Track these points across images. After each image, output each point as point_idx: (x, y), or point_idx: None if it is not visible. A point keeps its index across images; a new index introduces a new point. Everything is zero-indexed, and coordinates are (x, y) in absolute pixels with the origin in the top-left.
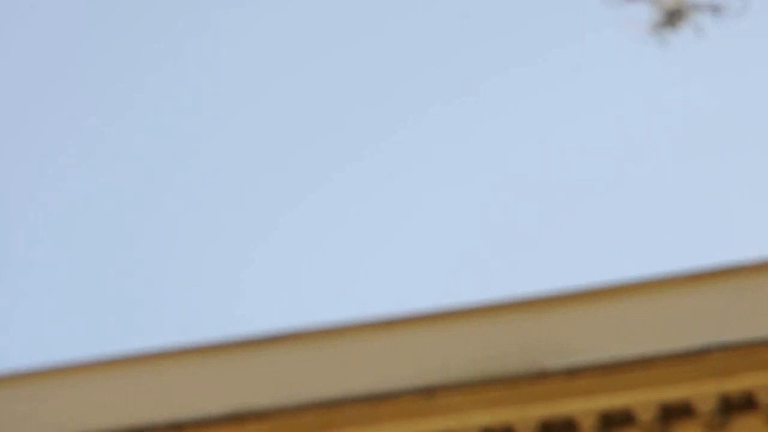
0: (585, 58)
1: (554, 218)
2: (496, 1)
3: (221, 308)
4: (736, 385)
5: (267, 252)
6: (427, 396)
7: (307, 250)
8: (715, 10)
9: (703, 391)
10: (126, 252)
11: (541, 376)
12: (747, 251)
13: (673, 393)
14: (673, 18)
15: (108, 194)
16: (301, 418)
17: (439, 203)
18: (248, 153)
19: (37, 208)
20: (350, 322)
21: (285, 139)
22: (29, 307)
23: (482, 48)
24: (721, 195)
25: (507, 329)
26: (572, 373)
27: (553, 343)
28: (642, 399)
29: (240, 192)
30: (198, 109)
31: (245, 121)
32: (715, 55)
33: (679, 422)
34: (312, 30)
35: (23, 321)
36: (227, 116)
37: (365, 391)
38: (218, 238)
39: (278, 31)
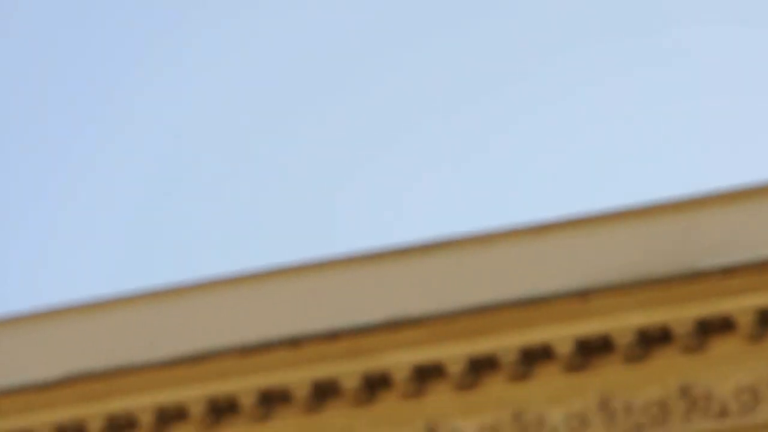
0: None
1: (708, 119)
2: None
3: (375, 218)
4: None
5: (422, 163)
6: (582, 298)
7: (460, 162)
8: None
9: None
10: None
11: (696, 275)
12: None
13: None
14: None
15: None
16: (455, 323)
17: (583, 107)
18: None
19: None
20: (504, 229)
21: None
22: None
23: None
24: None
25: (661, 230)
26: (727, 271)
27: (707, 242)
28: None
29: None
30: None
31: None
32: None
33: None
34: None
35: (150, 241)
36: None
37: (519, 295)
38: (385, 145)
39: None
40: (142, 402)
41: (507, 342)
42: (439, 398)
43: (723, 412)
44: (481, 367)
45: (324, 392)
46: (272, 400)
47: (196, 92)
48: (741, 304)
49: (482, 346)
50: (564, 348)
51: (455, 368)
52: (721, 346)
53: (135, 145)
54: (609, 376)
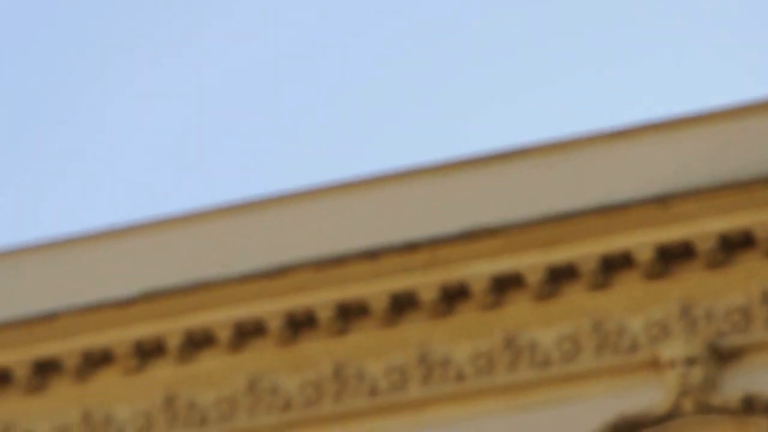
0: None
1: None
2: None
3: (451, 128)
4: None
5: (496, 73)
6: (662, 204)
7: (536, 69)
8: None
9: None
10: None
11: None
12: None
13: None
14: None
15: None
16: (533, 233)
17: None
18: None
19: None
20: (582, 135)
21: None
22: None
23: None
24: None
25: (743, 132)
26: None
27: None
28: None
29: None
30: None
31: None
32: None
33: None
34: None
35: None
36: None
37: (598, 202)
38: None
39: None
40: (219, 317)
41: (586, 250)
42: (518, 309)
43: None
44: (559, 276)
45: (401, 304)
46: (349, 313)
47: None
48: None
49: (561, 254)
50: (644, 255)
51: (534, 278)
52: None
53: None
54: (690, 283)
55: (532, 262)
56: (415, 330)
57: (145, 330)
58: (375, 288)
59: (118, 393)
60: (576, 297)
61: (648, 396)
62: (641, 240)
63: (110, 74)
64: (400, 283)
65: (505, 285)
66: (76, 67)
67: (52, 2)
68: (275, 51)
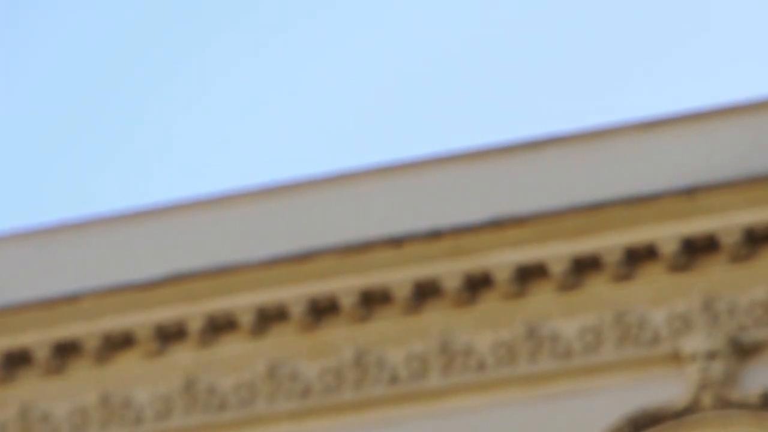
0: None
1: None
2: None
3: (479, 116)
4: None
5: (527, 61)
6: (688, 196)
7: (566, 58)
8: None
9: None
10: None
11: None
12: None
13: None
14: None
15: None
16: (559, 222)
17: None
18: None
19: None
20: (609, 125)
21: None
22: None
23: None
24: None
25: None
26: None
27: None
28: None
29: None
30: None
31: None
32: None
33: None
34: None
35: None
36: None
37: (624, 193)
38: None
39: None
40: (242, 302)
41: (611, 241)
42: (541, 299)
43: None
44: (583, 267)
45: (424, 292)
46: (373, 300)
47: None
48: None
49: (586, 245)
50: (669, 247)
51: (558, 268)
52: None
53: None
54: (713, 276)
55: (556, 252)
56: (437, 318)
57: (166, 313)
58: (398, 275)
59: (138, 376)
60: (599, 288)
61: (668, 389)
62: (667, 232)
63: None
64: (424, 271)
65: (529, 275)
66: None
67: None
68: (299, 34)
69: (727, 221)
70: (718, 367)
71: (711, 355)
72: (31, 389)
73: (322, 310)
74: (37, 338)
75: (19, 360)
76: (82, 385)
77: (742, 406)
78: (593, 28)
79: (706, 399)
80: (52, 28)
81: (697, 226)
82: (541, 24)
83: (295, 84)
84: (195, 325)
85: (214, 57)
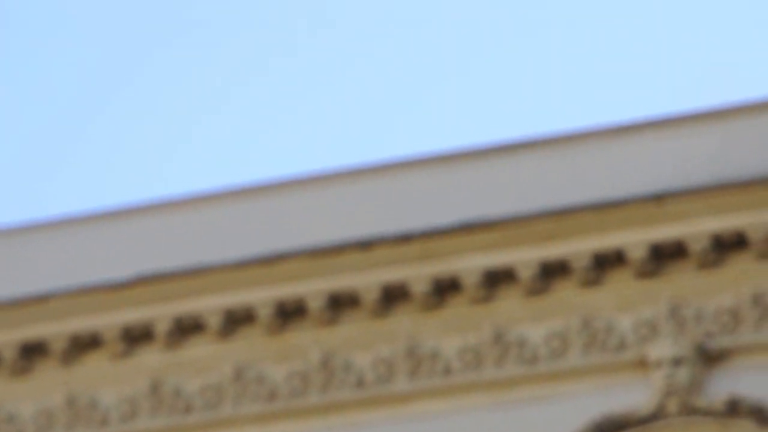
0: None
1: None
2: None
3: (448, 119)
4: None
5: (494, 66)
6: (657, 202)
7: (535, 63)
8: None
9: None
10: None
11: None
12: None
13: None
14: None
15: None
16: (528, 227)
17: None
18: None
19: None
20: (578, 130)
21: None
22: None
23: None
24: None
25: (739, 131)
26: None
27: None
28: None
29: None
30: None
31: None
32: None
33: None
34: None
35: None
36: None
37: (593, 198)
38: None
39: None
40: (209, 304)
41: (580, 246)
42: (508, 303)
43: None
44: (552, 272)
45: (392, 296)
46: (340, 303)
47: None
48: None
49: (554, 250)
50: (637, 253)
51: (526, 273)
52: None
53: None
54: (681, 282)
55: (525, 257)
56: (404, 322)
57: (133, 315)
58: (366, 279)
59: (104, 378)
60: (567, 294)
61: (634, 396)
62: (635, 238)
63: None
64: (392, 275)
65: (497, 279)
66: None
67: None
68: (266, 39)
69: (695, 228)
70: (683, 374)
71: (677, 362)
72: None
73: (289, 313)
74: (4, 339)
75: None
76: (48, 386)
77: (708, 413)
78: (564, 32)
79: (672, 405)
80: (52, 29)
81: (665, 232)
82: (509, 28)
83: (262, 86)
84: (162, 327)
85: (182, 56)
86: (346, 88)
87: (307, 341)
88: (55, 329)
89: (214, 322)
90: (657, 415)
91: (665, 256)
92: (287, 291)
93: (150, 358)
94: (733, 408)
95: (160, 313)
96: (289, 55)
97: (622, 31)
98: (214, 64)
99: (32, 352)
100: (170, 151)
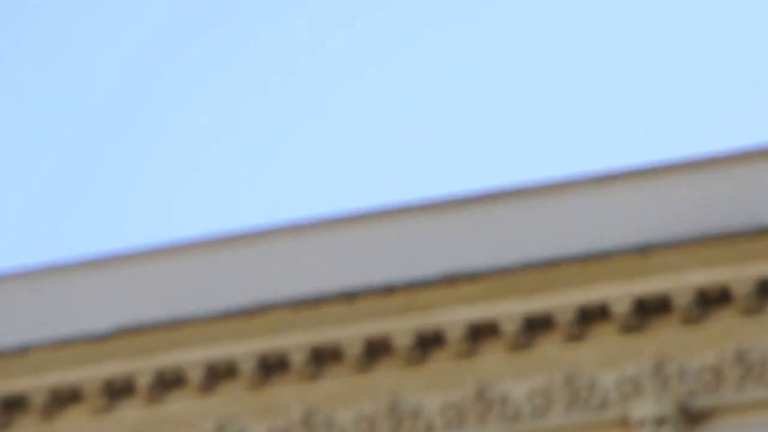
0: None
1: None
2: None
3: (432, 168)
4: None
5: (481, 111)
6: (642, 254)
7: (519, 111)
8: None
9: None
10: None
11: (760, 231)
12: None
13: None
14: None
15: None
16: (512, 279)
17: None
18: None
19: None
20: (562, 180)
21: None
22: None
23: None
24: None
25: (724, 184)
26: None
27: None
28: None
29: None
30: None
31: None
32: None
33: None
34: None
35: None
36: None
37: (578, 250)
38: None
39: None
40: (191, 357)
41: (564, 300)
42: (491, 358)
43: None
44: (535, 326)
45: (375, 350)
46: (323, 357)
47: None
48: None
49: (538, 304)
50: (621, 307)
51: (510, 327)
52: None
53: None
54: (664, 338)
55: (508, 310)
56: (387, 377)
57: (115, 368)
58: (350, 332)
59: None
60: (550, 348)
61: None
62: (619, 291)
63: None
64: (376, 328)
65: (481, 333)
66: None
67: None
68: (240, 90)
69: (680, 281)
70: None
71: (660, 422)
72: None
73: (271, 366)
74: None
75: None
76: None
77: None
78: (549, 82)
79: None
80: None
81: (650, 285)
82: (494, 77)
83: (242, 136)
84: (144, 381)
85: (160, 107)
86: (329, 136)
87: (290, 396)
88: (35, 383)
89: (195, 376)
90: None
91: (649, 310)
92: (270, 344)
93: (131, 413)
94: None
95: (142, 366)
96: (268, 105)
97: (607, 80)
98: (190, 117)
99: (12, 406)
100: (151, 201)
